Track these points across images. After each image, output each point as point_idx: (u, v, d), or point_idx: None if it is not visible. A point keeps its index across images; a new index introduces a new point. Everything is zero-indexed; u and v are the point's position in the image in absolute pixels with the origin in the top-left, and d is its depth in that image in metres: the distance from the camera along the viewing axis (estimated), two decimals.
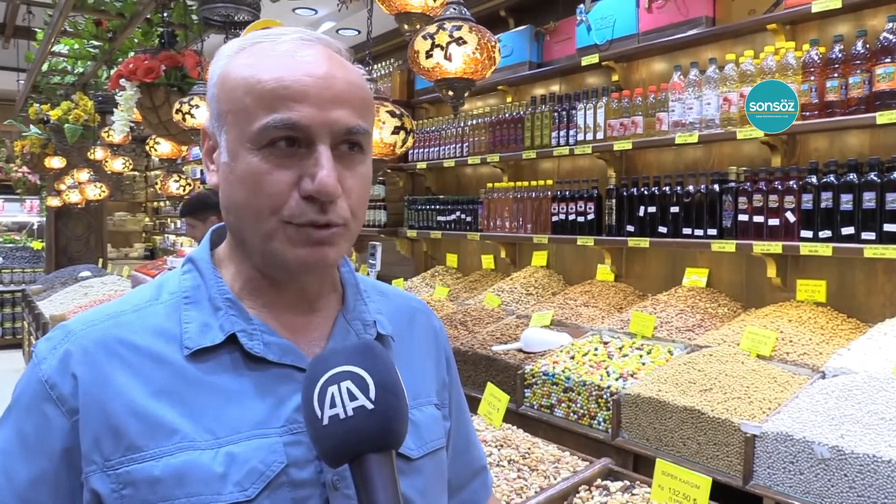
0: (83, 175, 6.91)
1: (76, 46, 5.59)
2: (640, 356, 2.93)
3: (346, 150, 0.79)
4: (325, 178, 0.75)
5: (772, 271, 3.03)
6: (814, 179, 2.72)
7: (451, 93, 2.32)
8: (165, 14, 4.12)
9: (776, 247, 2.82)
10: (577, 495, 1.87)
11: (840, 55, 2.70)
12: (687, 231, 3.20)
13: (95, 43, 5.35)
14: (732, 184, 3.02)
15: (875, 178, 2.55)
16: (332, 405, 0.69)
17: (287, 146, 0.76)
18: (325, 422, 0.69)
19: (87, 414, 0.75)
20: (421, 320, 1.00)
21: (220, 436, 0.75)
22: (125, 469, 0.73)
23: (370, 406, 0.70)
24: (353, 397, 0.70)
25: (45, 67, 6.18)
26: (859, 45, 2.66)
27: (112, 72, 4.52)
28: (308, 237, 0.78)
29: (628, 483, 1.94)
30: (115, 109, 3.94)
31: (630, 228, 3.46)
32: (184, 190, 5.20)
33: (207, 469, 0.73)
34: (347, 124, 0.78)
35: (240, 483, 0.73)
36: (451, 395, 1.01)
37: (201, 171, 8.50)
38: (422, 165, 4.97)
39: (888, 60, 2.55)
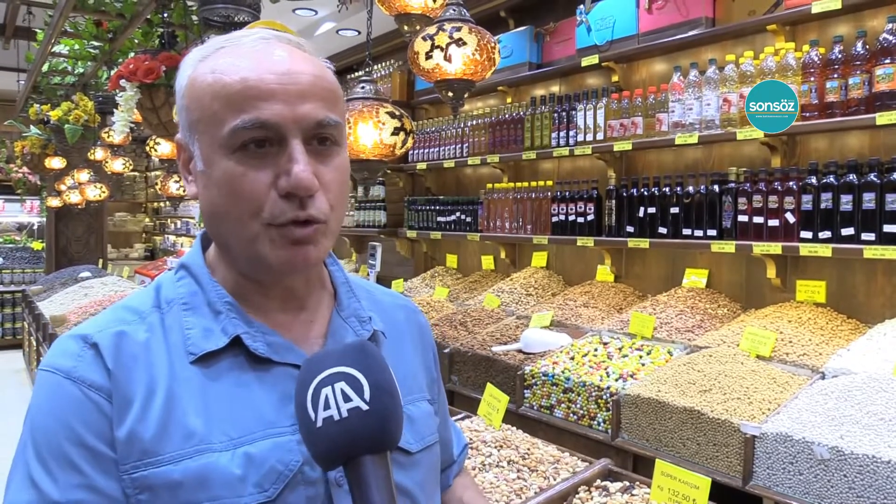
0: (83, 175, 6.91)
1: (76, 47, 5.59)
2: (640, 357, 2.93)
3: (318, 145, 0.79)
4: (300, 173, 0.75)
5: (771, 272, 3.03)
6: (813, 180, 2.72)
7: (450, 94, 2.33)
8: (165, 14, 4.11)
9: (776, 247, 2.82)
10: (577, 496, 1.87)
11: (840, 56, 2.70)
12: (687, 232, 3.20)
13: (95, 43, 5.36)
14: (732, 184, 3.02)
15: (875, 179, 2.55)
16: (326, 407, 0.69)
17: (258, 147, 0.76)
18: (319, 424, 0.69)
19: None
20: (408, 317, 1.02)
21: (234, 437, 0.75)
22: (141, 473, 0.73)
23: (365, 407, 0.69)
24: (347, 398, 0.69)
25: (45, 68, 6.18)
26: (859, 45, 2.66)
27: (112, 72, 4.52)
28: (290, 237, 0.78)
29: (628, 483, 1.94)
30: (115, 110, 3.94)
31: (630, 229, 3.46)
32: (184, 190, 5.19)
33: (226, 471, 0.73)
34: (317, 117, 0.78)
35: (259, 484, 0.74)
36: (438, 392, 1.03)
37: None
38: (422, 166, 4.97)
39: (888, 61, 2.55)
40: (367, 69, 2.95)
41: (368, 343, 0.75)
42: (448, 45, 2.22)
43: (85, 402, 0.74)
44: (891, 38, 2.56)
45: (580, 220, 3.73)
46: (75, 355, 0.77)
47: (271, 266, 0.79)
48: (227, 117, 0.76)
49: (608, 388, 2.74)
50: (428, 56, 2.25)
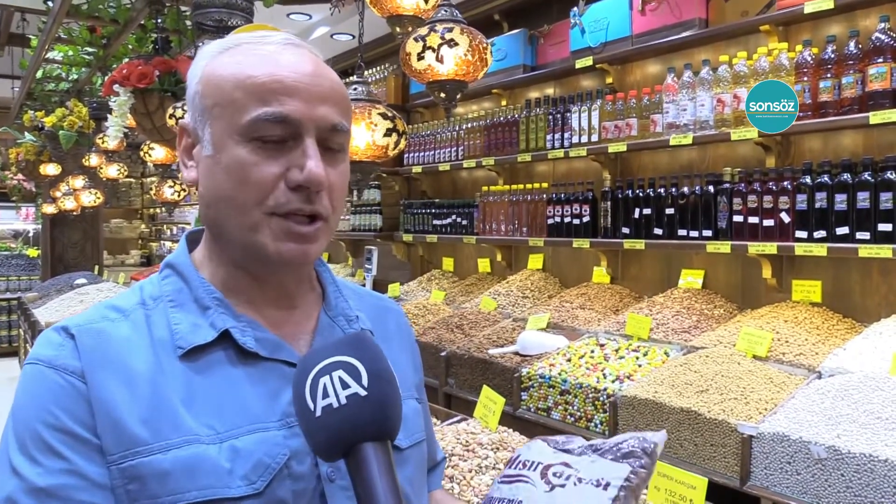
0: (78, 182, 6.90)
1: (70, 53, 5.59)
2: (637, 358, 2.92)
3: (326, 149, 0.82)
4: (314, 168, 0.78)
5: (767, 272, 3.03)
6: (808, 180, 2.72)
7: (442, 95, 2.32)
8: (159, 20, 4.10)
9: (771, 247, 2.82)
10: None
11: (833, 56, 2.71)
12: (682, 232, 3.19)
13: (90, 49, 5.34)
14: (727, 185, 3.02)
15: (869, 178, 2.55)
16: (325, 395, 0.68)
17: (274, 140, 0.78)
18: (319, 413, 0.68)
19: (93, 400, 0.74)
20: (394, 318, 1.03)
21: (220, 431, 0.75)
22: (130, 463, 0.72)
23: (363, 393, 0.68)
24: (345, 385, 0.68)
25: (39, 74, 6.17)
26: (852, 45, 2.66)
27: (106, 78, 4.50)
28: (292, 232, 0.79)
29: None
30: (109, 115, 3.93)
31: (625, 230, 3.45)
32: (179, 195, 5.19)
33: (215, 462, 0.73)
34: (333, 121, 0.81)
35: (247, 476, 0.74)
36: (423, 393, 1.04)
37: None
38: (417, 169, 4.97)
39: (880, 60, 2.55)
40: (358, 71, 2.94)
41: (365, 333, 0.76)
42: (440, 45, 2.22)
43: (67, 389, 0.74)
44: (883, 37, 2.56)
45: (576, 221, 3.73)
46: (58, 345, 0.77)
47: (269, 257, 0.80)
48: (248, 106, 0.78)
49: (605, 389, 2.73)
50: (420, 57, 2.25)
